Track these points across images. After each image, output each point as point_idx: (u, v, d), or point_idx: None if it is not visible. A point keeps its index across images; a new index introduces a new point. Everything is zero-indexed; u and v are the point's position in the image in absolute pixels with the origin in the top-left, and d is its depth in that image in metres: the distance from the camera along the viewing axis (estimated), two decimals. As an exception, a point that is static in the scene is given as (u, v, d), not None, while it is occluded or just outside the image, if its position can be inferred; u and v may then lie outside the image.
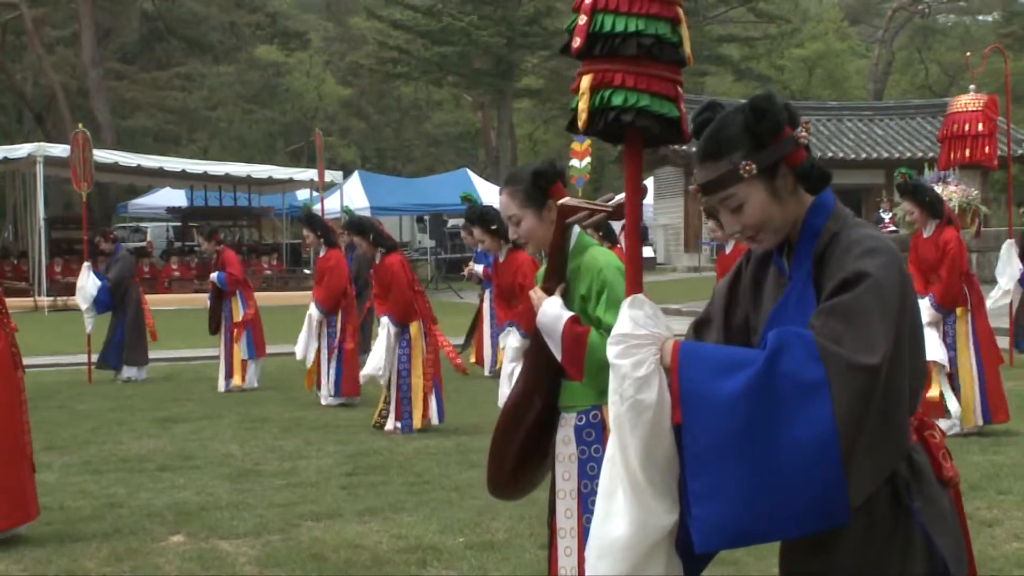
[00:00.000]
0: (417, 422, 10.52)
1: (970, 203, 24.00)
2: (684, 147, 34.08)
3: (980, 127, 11.43)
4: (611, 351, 2.71)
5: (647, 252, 38.81)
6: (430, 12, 46.76)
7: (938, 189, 21.14)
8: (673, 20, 2.73)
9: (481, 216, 8.94)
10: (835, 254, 2.70)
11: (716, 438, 2.59)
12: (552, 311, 4.01)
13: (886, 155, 35.48)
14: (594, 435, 4.07)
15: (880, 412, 2.54)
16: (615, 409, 2.70)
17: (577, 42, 2.73)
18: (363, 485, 8.44)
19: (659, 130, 2.73)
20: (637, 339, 2.69)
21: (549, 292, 4.09)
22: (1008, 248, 13.66)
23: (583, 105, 2.73)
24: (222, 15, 49.24)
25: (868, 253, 2.64)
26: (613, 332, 2.72)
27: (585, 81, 2.74)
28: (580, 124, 2.75)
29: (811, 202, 2.81)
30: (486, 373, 14.41)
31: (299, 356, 12.64)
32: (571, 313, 4.02)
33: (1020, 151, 34.08)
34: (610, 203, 4.07)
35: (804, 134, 2.77)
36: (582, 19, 2.72)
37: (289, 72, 56.65)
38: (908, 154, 34.98)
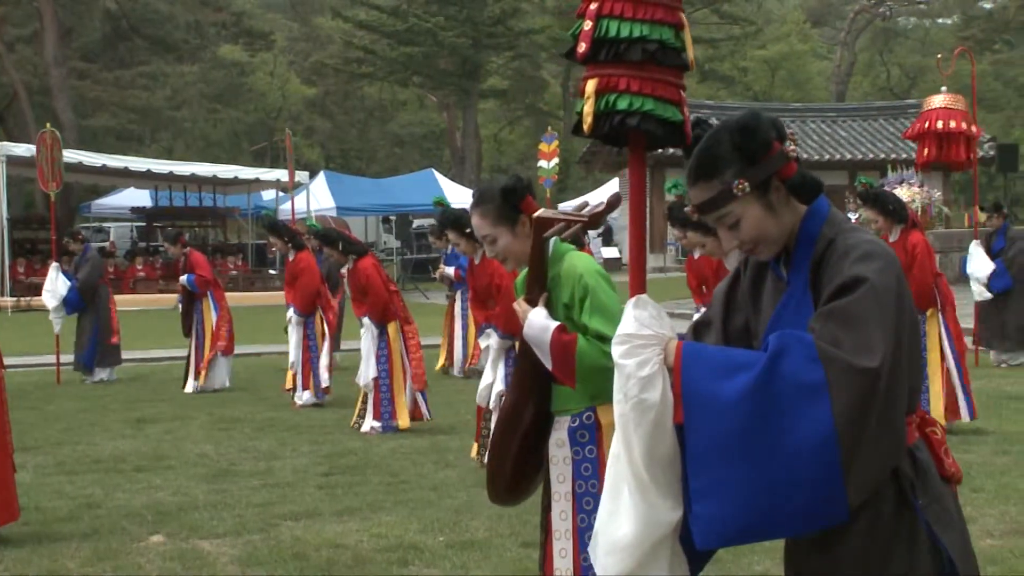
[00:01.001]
0: (405, 422, 10.54)
1: (933, 204, 24.20)
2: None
3: (964, 125, 11.55)
4: (616, 351, 2.76)
5: (612, 253, 38.93)
6: (396, 12, 46.76)
7: (901, 190, 21.39)
8: (677, 26, 2.78)
9: (456, 220, 8.95)
10: (832, 260, 2.75)
11: (717, 438, 2.64)
12: (538, 322, 4.03)
13: (849, 156, 35.74)
14: (588, 436, 4.09)
15: (879, 413, 2.59)
16: (619, 408, 2.75)
17: (582, 47, 2.77)
18: (340, 485, 8.46)
19: (663, 133, 2.78)
20: (641, 339, 2.74)
21: (532, 303, 4.11)
22: (975, 248, 13.85)
23: (588, 109, 2.77)
24: (186, 14, 48.99)
25: (865, 258, 2.69)
26: (618, 332, 2.77)
27: (590, 85, 2.78)
28: (585, 127, 2.79)
29: (805, 210, 2.86)
30: (456, 374, 14.46)
31: (291, 360, 12.61)
32: (557, 323, 4.04)
33: (982, 153, 34.40)
34: (584, 212, 4.09)
35: (793, 147, 2.82)
36: (587, 25, 2.75)
37: (253, 72, 56.43)
38: (871, 155, 35.26)
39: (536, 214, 4.10)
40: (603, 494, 2.84)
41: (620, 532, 2.76)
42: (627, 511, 2.75)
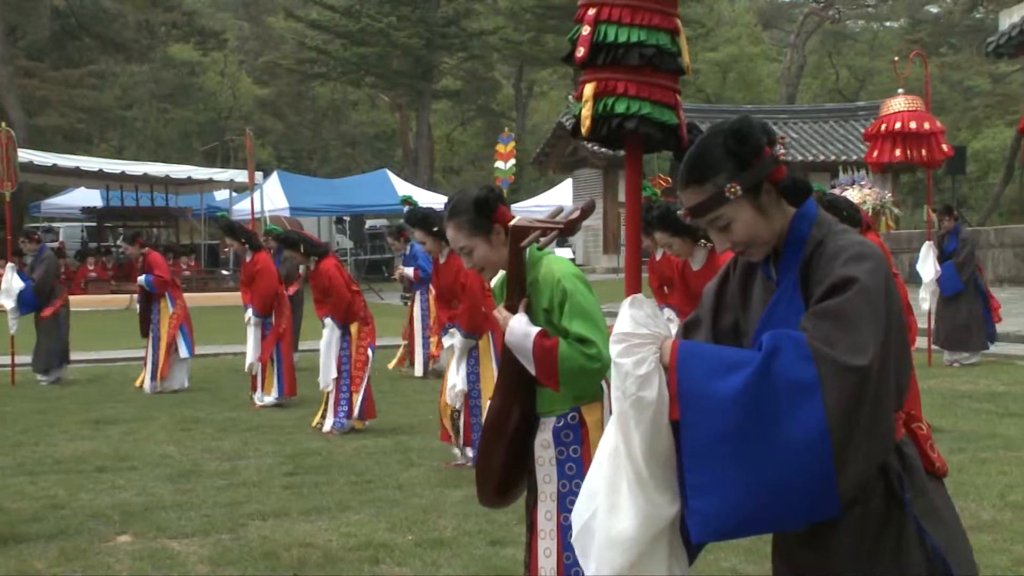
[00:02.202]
0: (355, 421, 10.57)
1: (884, 205, 24.51)
2: (603, 149, 34.29)
3: (926, 126, 11.69)
4: (613, 349, 2.81)
5: (566, 253, 39.05)
6: (348, 12, 46.66)
7: (852, 192, 21.58)
8: (673, 31, 2.84)
9: (424, 218, 8.98)
10: (822, 261, 2.82)
11: (713, 435, 2.70)
12: (520, 329, 4.09)
13: (800, 158, 36.04)
14: (572, 436, 4.14)
15: (869, 411, 2.66)
16: (618, 405, 2.81)
17: (581, 52, 2.82)
18: (306, 484, 8.47)
19: (660, 136, 2.84)
20: (638, 338, 2.79)
21: (512, 310, 4.15)
22: (927, 249, 14.04)
23: (587, 112, 2.82)
24: (136, 13, 48.55)
25: (855, 259, 2.76)
26: (615, 331, 2.83)
27: (588, 89, 2.83)
28: (584, 130, 2.84)
29: (795, 212, 2.93)
30: (417, 374, 14.48)
31: (249, 362, 12.61)
32: (538, 328, 4.09)
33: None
34: (559, 218, 4.14)
35: (783, 151, 2.89)
36: (585, 30, 2.81)
37: (204, 72, 56.07)
38: (821, 157, 35.61)
39: (512, 223, 4.14)
40: (600, 489, 2.88)
41: (620, 526, 2.81)
42: (627, 506, 2.80)
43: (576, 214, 4.09)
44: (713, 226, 2.91)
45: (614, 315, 4.32)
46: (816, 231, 2.89)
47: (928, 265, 13.99)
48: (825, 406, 2.61)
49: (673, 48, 2.84)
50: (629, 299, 2.85)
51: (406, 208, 9.48)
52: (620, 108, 2.79)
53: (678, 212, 2.96)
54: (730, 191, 2.83)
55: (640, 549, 2.80)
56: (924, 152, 11.35)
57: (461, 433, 8.78)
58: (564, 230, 4.06)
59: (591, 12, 2.81)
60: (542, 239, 4.02)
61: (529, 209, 35.50)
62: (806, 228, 2.90)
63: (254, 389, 12.62)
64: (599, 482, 2.92)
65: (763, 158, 2.84)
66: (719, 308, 3.10)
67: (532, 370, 4.09)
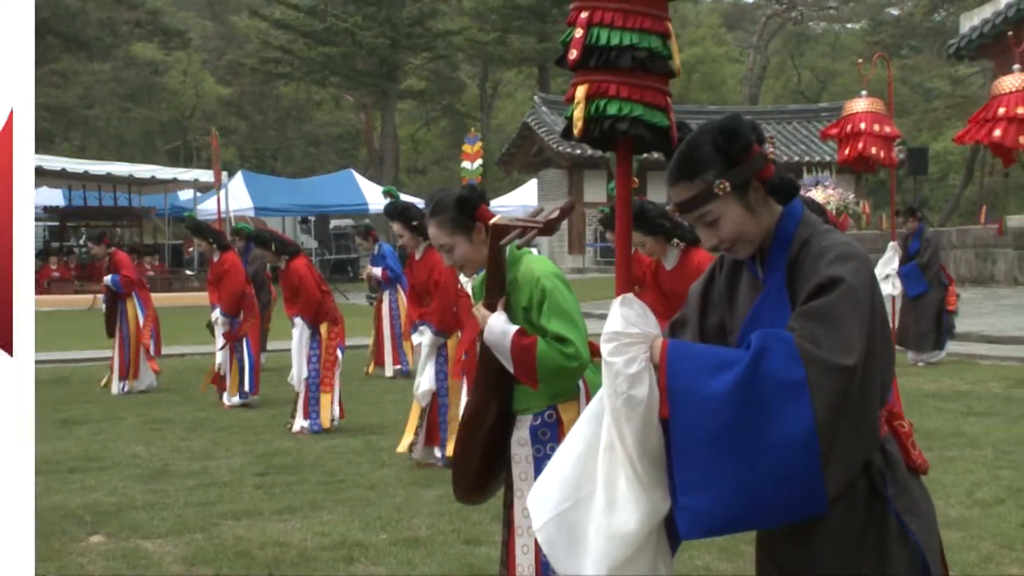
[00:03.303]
0: (325, 422, 10.56)
1: (847, 206, 24.69)
2: (568, 149, 34.38)
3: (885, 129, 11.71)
4: (604, 348, 2.85)
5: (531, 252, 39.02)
6: (313, 12, 46.56)
7: (816, 192, 21.70)
8: (664, 34, 2.88)
9: (403, 211, 8.97)
10: (808, 260, 2.87)
11: (702, 433, 2.74)
12: (498, 327, 4.13)
13: (764, 159, 36.21)
14: (549, 434, 4.18)
15: (856, 409, 2.71)
16: (610, 403, 2.84)
17: (574, 54, 2.85)
18: (278, 484, 8.47)
19: (651, 138, 2.88)
20: (629, 337, 2.83)
21: (491, 308, 4.19)
22: (891, 249, 14.15)
23: (579, 114, 2.85)
24: (99, 11, 48.24)
25: (840, 259, 2.81)
26: (605, 330, 2.86)
27: (580, 91, 2.86)
28: (576, 132, 2.87)
29: (781, 211, 2.98)
30: (387, 374, 14.48)
31: (219, 361, 12.59)
32: (516, 327, 4.13)
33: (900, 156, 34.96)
34: (538, 218, 4.18)
35: (772, 150, 2.94)
36: (578, 32, 2.84)
37: (167, 71, 55.76)
38: (785, 158, 35.78)
39: (492, 221, 4.18)
40: (598, 484, 2.91)
41: (620, 520, 2.84)
42: (627, 501, 2.83)
43: (556, 214, 4.13)
44: (701, 222, 2.96)
45: (585, 315, 4.39)
46: (802, 230, 2.94)
47: (889, 267, 14.08)
48: (813, 405, 2.66)
49: (664, 51, 2.88)
50: (619, 298, 2.88)
51: (387, 200, 9.45)
52: (612, 110, 2.82)
53: (667, 207, 3.01)
54: (719, 188, 2.88)
55: (638, 543, 2.83)
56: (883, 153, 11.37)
57: (422, 433, 8.83)
58: (543, 230, 4.11)
59: (583, 15, 2.83)
60: (521, 238, 4.06)
61: (494, 209, 35.45)
62: (792, 227, 2.95)
63: (222, 389, 12.58)
64: (574, 474, 2.96)
65: (752, 156, 2.89)
66: (705, 307, 3.14)
67: (510, 368, 4.13)
